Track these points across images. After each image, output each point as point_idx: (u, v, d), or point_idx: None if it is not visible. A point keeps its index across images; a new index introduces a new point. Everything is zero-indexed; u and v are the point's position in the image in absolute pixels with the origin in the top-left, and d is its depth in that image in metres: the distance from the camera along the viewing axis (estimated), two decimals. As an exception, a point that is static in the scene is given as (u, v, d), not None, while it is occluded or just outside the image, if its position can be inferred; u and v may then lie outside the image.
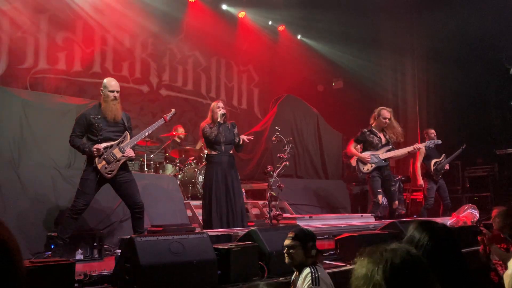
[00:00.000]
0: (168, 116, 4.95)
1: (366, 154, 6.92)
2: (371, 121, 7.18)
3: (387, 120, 7.06)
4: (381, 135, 7.06)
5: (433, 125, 9.67)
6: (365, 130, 7.12)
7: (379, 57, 11.76)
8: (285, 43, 12.29)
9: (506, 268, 3.53)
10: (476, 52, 9.88)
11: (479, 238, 3.88)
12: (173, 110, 5.06)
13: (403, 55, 11.96)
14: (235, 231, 4.60)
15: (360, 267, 1.30)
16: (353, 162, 8.26)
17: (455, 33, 10.19)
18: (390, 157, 7.08)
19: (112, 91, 4.60)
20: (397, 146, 7.26)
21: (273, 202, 5.88)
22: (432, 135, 8.22)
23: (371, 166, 6.90)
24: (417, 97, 11.72)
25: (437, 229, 1.96)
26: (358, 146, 7.16)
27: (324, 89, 12.91)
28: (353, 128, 7.43)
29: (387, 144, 7.06)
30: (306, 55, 12.19)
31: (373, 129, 7.09)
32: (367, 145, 7.04)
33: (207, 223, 5.43)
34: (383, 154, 6.96)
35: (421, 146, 7.28)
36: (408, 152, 7.25)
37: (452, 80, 10.47)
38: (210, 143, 5.61)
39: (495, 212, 4.00)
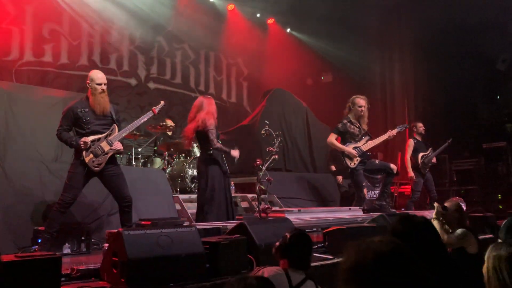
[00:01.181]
0: (157, 109, 4.93)
1: (351, 148, 6.92)
2: (346, 111, 7.15)
3: (362, 108, 7.01)
4: (359, 125, 7.07)
5: (421, 118, 9.74)
6: (345, 120, 7.07)
7: (368, 51, 11.80)
8: (274, 36, 12.27)
9: None
10: (464, 46, 9.96)
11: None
12: (162, 102, 5.05)
13: (391, 49, 12.02)
14: (224, 224, 4.61)
15: (348, 259, 1.30)
16: (333, 167, 8.32)
17: (443, 27, 10.26)
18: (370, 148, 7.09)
19: (100, 84, 4.57)
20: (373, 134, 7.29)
21: (262, 196, 5.90)
22: (421, 128, 8.28)
23: (357, 160, 6.92)
24: (405, 90, 11.78)
25: (417, 222, 2.10)
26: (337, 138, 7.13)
27: (313, 82, 12.93)
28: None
29: (365, 134, 7.07)
30: (295, 49, 12.18)
31: (352, 120, 7.07)
32: (348, 137, 7.00)
33: (216, 215, 5.40)
34: (364, 146, 6.97)
35: (394, 132, 7.23)
36: (383, 140, 7.23)
37: (440, 73, 10.55)
38: (218, 137, 5.67)
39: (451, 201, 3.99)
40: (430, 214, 6.58)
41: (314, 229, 5.86)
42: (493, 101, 10.27)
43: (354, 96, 7.13)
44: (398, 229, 2.07)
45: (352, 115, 7.05)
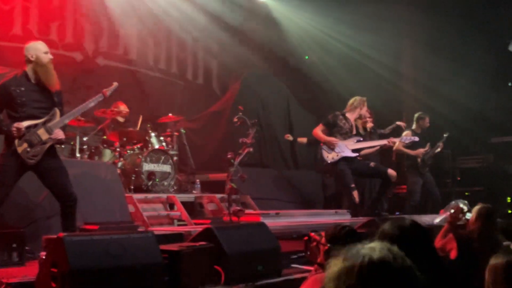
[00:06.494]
0: (108, 91, 4.95)
1: (334, 139, 7.03)
2: (347, 108, 7.31)
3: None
4: (353, 124, 7.24)
5: (419, 108, 9.85)
6: (338, 112, 7.22)
7: (359, 26, 11.71)
8: (249, 5, 12.19)
9: None
10: (472, 21, 10.10)
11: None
12: (115, 83, 5.05)
13: (384, 20, 11.87)
14: (187, 229, 4.62)
15: (334, 267, 1.33)
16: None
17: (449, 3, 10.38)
18: (359, 149, 7.19)
19: (46, 52, 4.59)
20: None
21: (233, 196, 5.93)
22: (427, 125, 8.45)
23: (337, 155, 7.00)
24: (400, 74, 11.78)
25: (405, 226, 2.34)
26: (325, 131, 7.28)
27: (296, 61, 12.94)
28: (330, 111, 7.55)
29: (357, 136, 7.23)
30: (274, 19, 12.13)
31: (347, 115, 7.22)
32: (335, 131, 7.14)
33: None
34: (351, 144, 7.09)
35: (396, 140, 7.50)
36: (381, 146, 7.43)
37: (442, 54, 10.65)
38: None
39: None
40: (430, 218, 6.77)
41: (294, 235, 5.93)
42: (504, 88, 10.48)
43: (365, 100, 7.29)
44: (387, 234, 2.28)
45: (351, 114, 7.20)
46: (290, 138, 9.52)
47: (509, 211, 9.43)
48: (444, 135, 8.57)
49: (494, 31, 9.92)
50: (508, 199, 9.66)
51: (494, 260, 2.04)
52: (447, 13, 10.46)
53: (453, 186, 10.16)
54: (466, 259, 3.73)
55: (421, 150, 8.19)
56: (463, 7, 10.16)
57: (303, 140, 9.08)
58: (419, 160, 8.21)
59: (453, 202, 7.08)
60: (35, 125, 4.47)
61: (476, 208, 4.14)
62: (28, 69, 4.57)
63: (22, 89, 4.48)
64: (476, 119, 10.23)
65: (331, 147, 6.99)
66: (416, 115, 8.65)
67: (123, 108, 8.35)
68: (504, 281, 1.96)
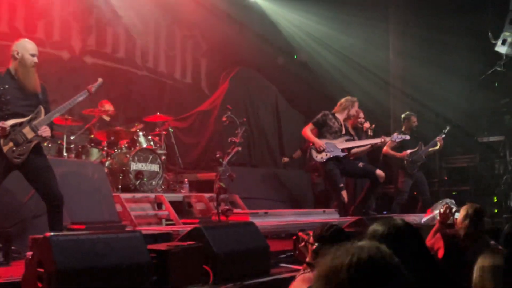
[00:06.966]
0: (93, 88, 4.94)
1: (321, 141, 7.04)
2: (337, 108, 7.34)
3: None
4: (343, 124, 7.27)
5: (407, 108, 9.90)
6: (328, 112, 7.24)
7: (349, 24, 11.78)
8: (239, 5, 12.19)
9: None
10: (459, 22, 10.17)
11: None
12: (100, 79, 5.03)
13: (374, 21, 11.95)
14: (176, 229, 4.61)
15: (323, 265, 1.33)
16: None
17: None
18: (349, 148, 7.21)
19: (33, 55, 4.55)
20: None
21: (222, 195, 5.92)
22: (414, 124, 8.47)
23: (326, 155, 7.02)
24: (388, 74, 11.85)
25: (398, 224, 2.33)
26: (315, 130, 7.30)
27: (285, 62, 12.96)
28: (318, 110, 7.56)
29: (347, 134, 7.26)
30: (263, 20, 12.14)
31: (337, 115, 7.25)
32: (325, 131, 7.15)
33: None
34: (340, 143, 7.10)
35: (388, 139, 7.50)
36: (373, 145, 7.44)
37: (427, 54, 10.72)
38: None
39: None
40: (417, 218, 6.82)
41: (283, 235, 5.93)
42: (490, 87, 10.54)
43: (355, 100, 7.36)
44: (378, 233, 2.24)
45: (340, 114, 7.23)
46: (286, 159, 9.62)
47: (496, 211, 9.50)
48: (444, 130, 8.57)
49: (481, 31, 9.98)
50: (495, 199, 9.73)
51: (482, 260, 2.06)
52: (435, 13, 10.53)
53: (440, 185, 10.22)
54: (454, 258, 3.76)
55: (406, 152, 8.22)
56: (450, 7, 10.23)
57: (298, 153, 9.20)
58: (405, 162, 8.26)
59: (440, 202, 7.19)
60: (20, 124, 4.44)
61: (464, 208, 4.17)
62: (12, 66, 4.54)
63: (6, 86, 4.44)
64: (463, 119, 10.30)
65: (319, 150, 7.01)
66: (402, 116, 8.69)
67: (108, 106, 8.31)
68: (491, 281, 1.98)
